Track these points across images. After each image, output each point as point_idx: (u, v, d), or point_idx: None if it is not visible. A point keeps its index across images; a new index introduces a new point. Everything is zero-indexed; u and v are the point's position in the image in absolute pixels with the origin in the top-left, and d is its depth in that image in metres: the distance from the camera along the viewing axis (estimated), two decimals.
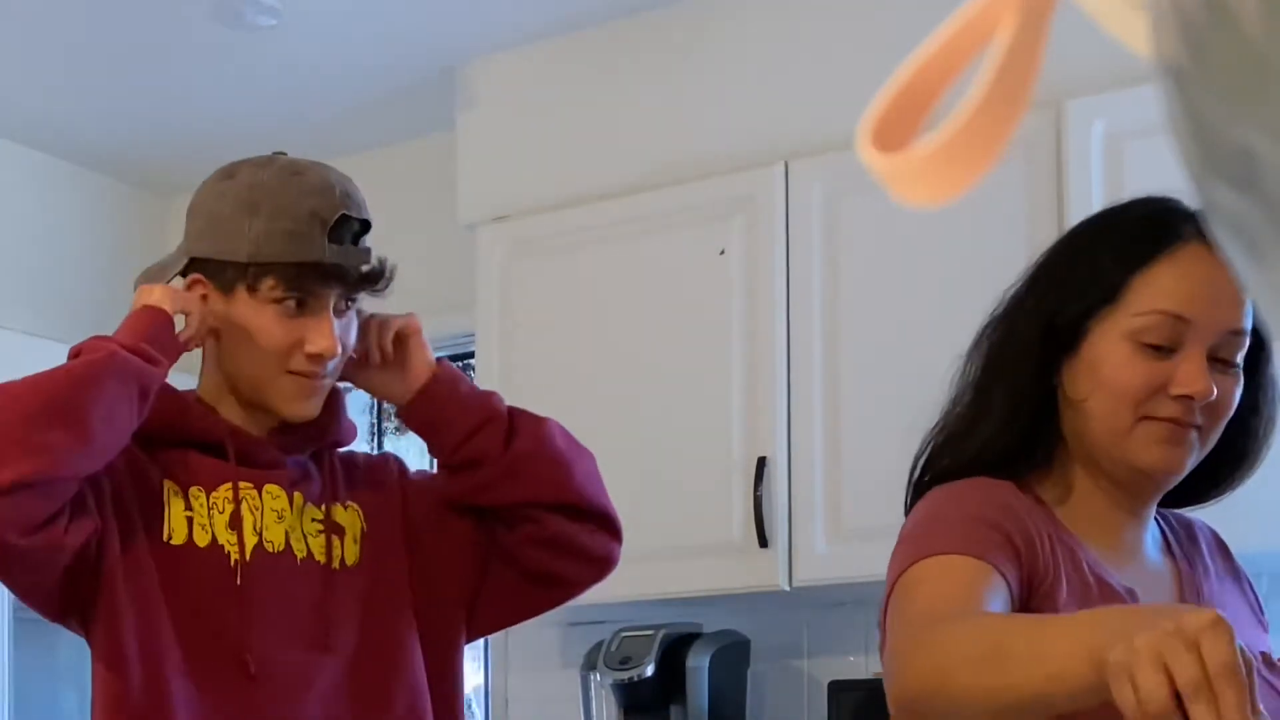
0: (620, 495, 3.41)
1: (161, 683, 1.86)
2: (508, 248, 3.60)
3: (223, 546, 1.92)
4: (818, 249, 3.24)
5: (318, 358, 1.92)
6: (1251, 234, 0.44)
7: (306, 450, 2.02)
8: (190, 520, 1.92)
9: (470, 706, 4.35)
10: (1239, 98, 0.42)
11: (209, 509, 1.93)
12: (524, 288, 3.57)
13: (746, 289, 3.29)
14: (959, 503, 1.55)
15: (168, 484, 1.93)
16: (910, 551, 1.50)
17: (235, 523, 1.92)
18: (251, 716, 1.91)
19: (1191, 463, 1.58)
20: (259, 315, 1.91)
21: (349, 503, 2.04)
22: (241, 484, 1.94)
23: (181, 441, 1.96)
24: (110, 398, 1.81)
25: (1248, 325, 1.55)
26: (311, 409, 1.96)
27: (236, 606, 1.90)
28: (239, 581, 1.91)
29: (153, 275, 2.01)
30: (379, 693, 1.99)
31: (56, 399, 1.80)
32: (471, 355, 3.83)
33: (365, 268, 1.93)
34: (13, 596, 4.12)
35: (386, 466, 2.13)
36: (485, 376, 3.61)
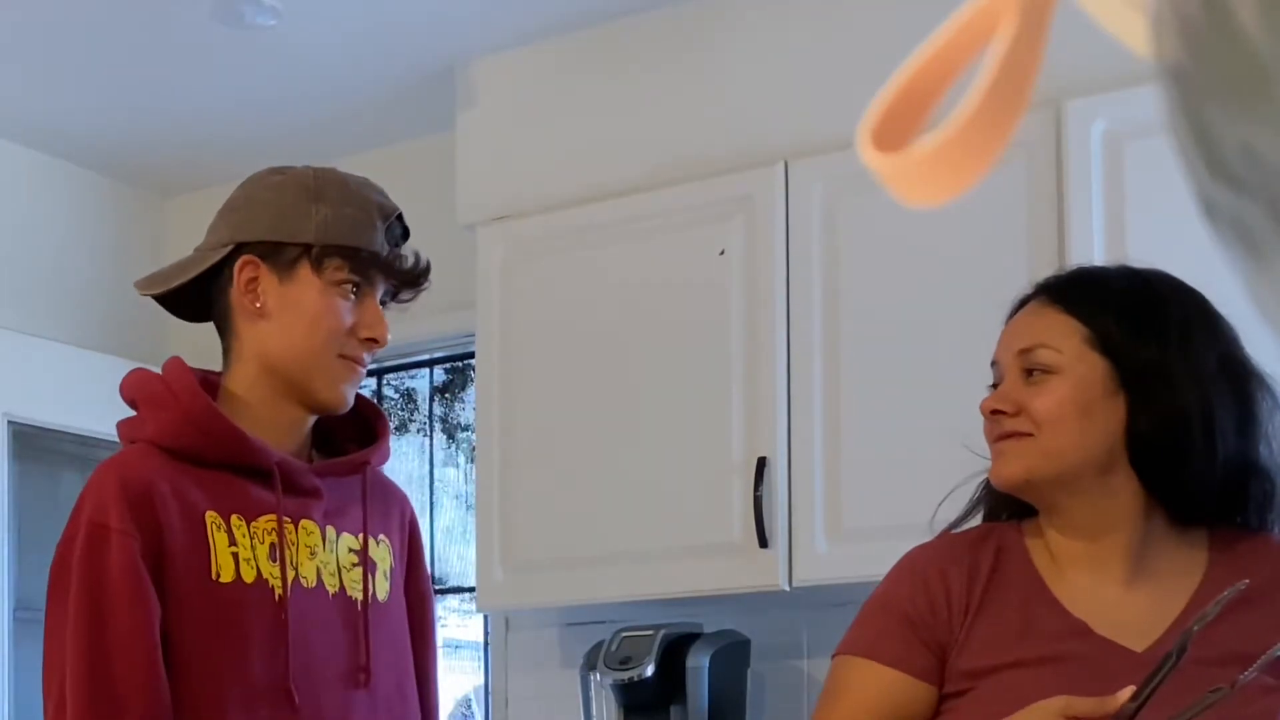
0: (620, 495, 3.43)
1: (217, 717, 1.89)
2: (508, 248, 3.60)
3: (267, 581, 1.94)
4: (818, 249, 3.23)
5: (371, 343, 1.99)
6: (1251, 234, 0.44)
7: (345, 474, 2.05)
8: (236, 556, 1.93)
9: (470, 706, 4.35)
10: (1239, 98, 0.42)
11: (251, 539, 1.95)
12: (524, 288, 3.57)
13: (746, 289, 3.29)
14: (893, 585, 1.82)
15: (210, 516, 1.94)
16: (849, 636, 1.83)
17: (276, 555, 1.94)
18: None
19: (1025, 469, 1.74)
20: (322, 295, 1.96)
21: (381, 537, 2.08)
22: (283, 517, 1.97)
23: (228, 465, 1.97)
24: None
25: (1031, 343, 1.75)
26: (350, 398, 2.01)
27: (283, 641, 1.93)
28: (284, 615, 1.93)
29: (167, 276, 2.03)
30: None
31: None
32: (471, 355, 3.83)
33: (414, 266, 2.02)
34: (12, 595, 4.13)
35: (399, 501, 2.18)
36: (485, 376, 3.61)
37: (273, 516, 1.96)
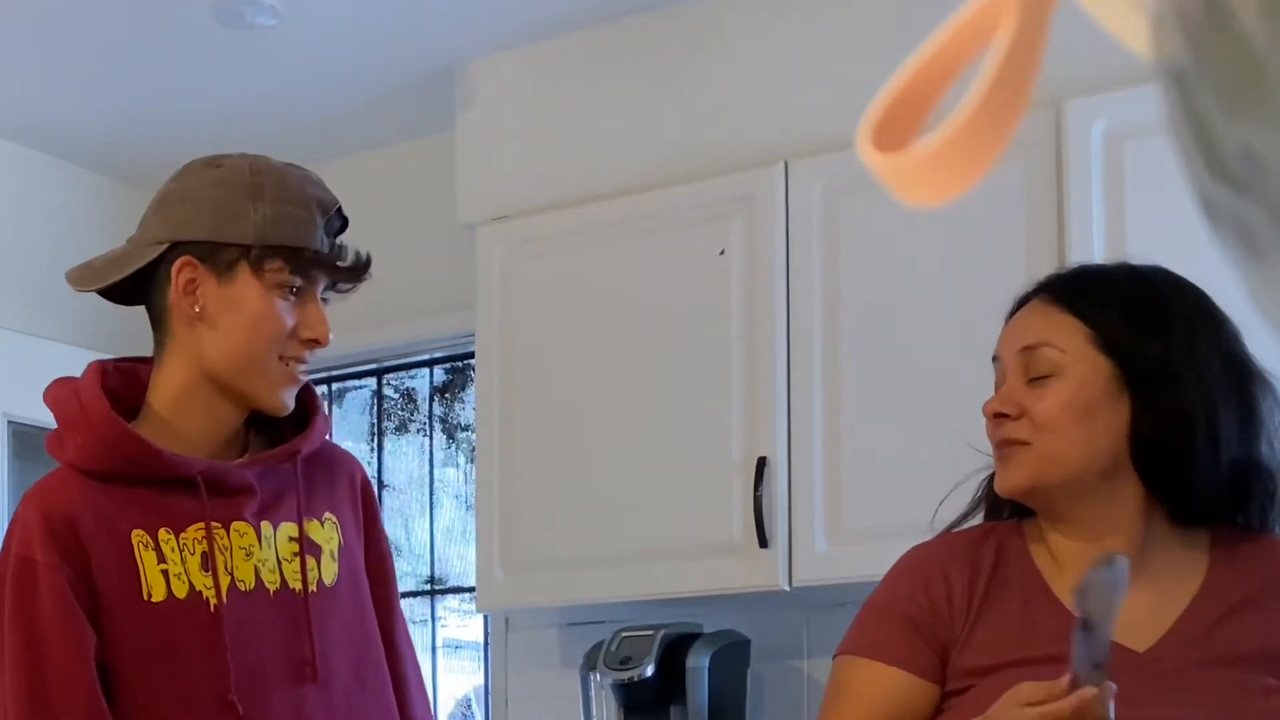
0: (620, 495, 3.43)
1: None
2: (508, 248, 3.60)
3: (201, 593, 1.91)
4: (818, 249, 3.23)
5: (313, 343, 1.95)
6: (1251, 234, 0.44)
7: (279, 463, 2.01)
8: (166, 574, 1.90)
9: (470, 706, 4.35)
10: (1239, 98, 0.42)
11: (180, 552, 1.92)
12: (524, 288, 3.57)
13: (746, 289, 3.29)
14: (895, 584, 1.83)
15: (136, 535, 1.91)
16: (850, 636, 1.83)
17: (208, 564, 1.91)
18: None
19: (1030, 477, 1.74)
20: (263, 297, 1.92)
21: (327, 515, 2.03)
22: (212, 524, 1.93)
23: (148, 479, 1.93)
24: None
25: (1034, 341, 1.75)
26: (291, 401, 1.97)
27: (219, 650, 1.90)
28: (220, 625, 1.90)
29: (99, 271, 1.98)
30: (368, 715, 2.00)
31: None
32: (471, 355, 3.83)
33: (354, 260, 1.97)
34: None
35: (346, 468, 2.11)
36: (485, 376, 3.61)
37: (201, 525, 1.92)
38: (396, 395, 4.47)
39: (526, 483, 3.51)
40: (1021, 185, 3.00)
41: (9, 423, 4.06)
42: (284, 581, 1.96)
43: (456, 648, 4.42)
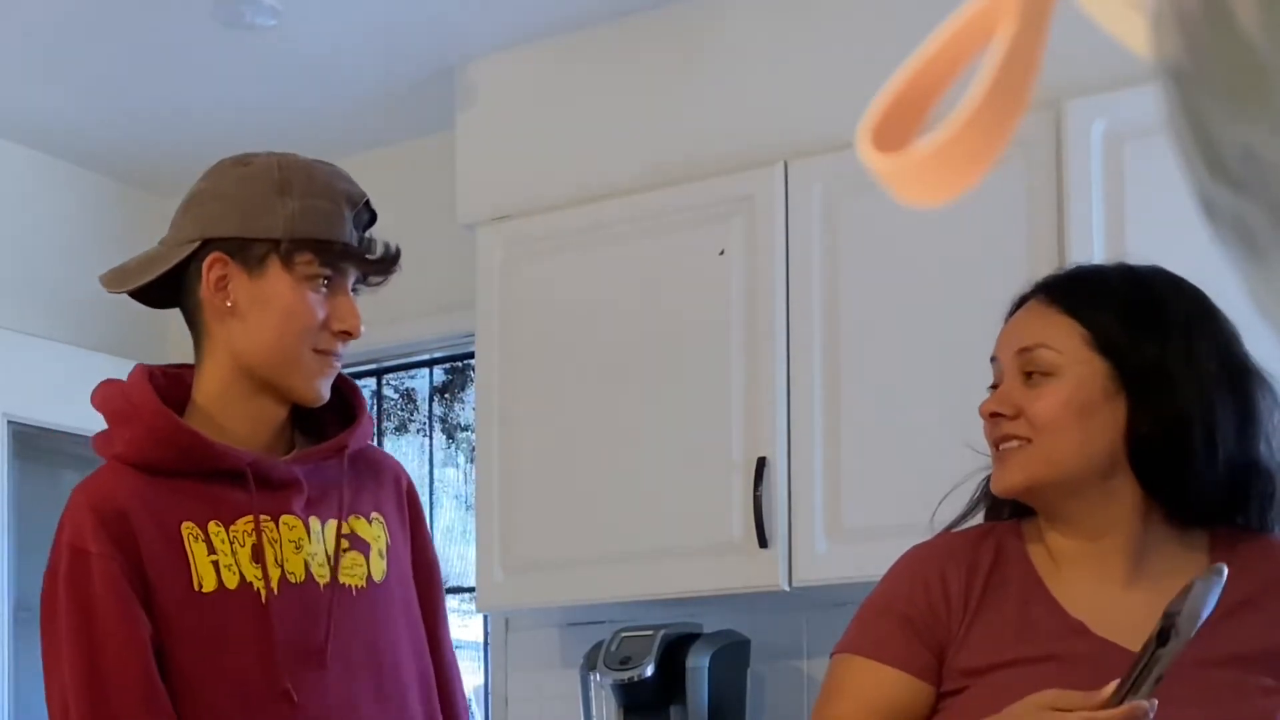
0: (620, 495, 3.42)
1: None
2: (508, 248, 3.60)
3: (251, 584, 1.92)
4: (818, 249, 3.23)
5: (345, 335, 1.97)
6: (1251, 234, 0.44)
7: (326, 459, 2.03)
8: (216, 564, 1.93)
9: (470, 706, 4.35)
10: (1239, 98, 0.42)
11: (230, 544, 1.94)
12: (524, 288, 3.57)
13: (746, 289, 3.29)
14: (892, 584, 1.83)
15: (186, 527, 1.93)
16: (848, 635, 1.83)
17: (258, 556, 1.93)
18: None
19: (1027, 477, 1.74)
20: (293, 290, 1.94)
21: (373, 515, 2.06)
22: (260, 516, 1.95)
23: (197, 472, 1.96)
24: None
25: (1031, 343, 1.75)
26: (326, 392, 2.00)
27: (269, 640, 1.91)
28: (270, 616, 1.92)
29: (132, 273, 2.01)
30: (416, 707, 2.03)
31: None
32: (471, 355, 3.83)
33: (383, 252, 1.99)
34: (12, 595, 4.11)
35: (391, 470, 2.14)
36: (485, 376, 3.61)
37: (250, 518, 1.94)
38: (396, 395, 4.47)
39: (526, 483, 3.51)
40: (1021, 185, 3.00)
41: (9, 423, 4.06)
42: (334, 576, 1.98)
43: (456, 648, 4.41)
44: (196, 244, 1.96)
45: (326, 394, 2.00)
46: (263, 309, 1.94)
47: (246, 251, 1.94)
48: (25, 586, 3.99)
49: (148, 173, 4.37)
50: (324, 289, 1.96)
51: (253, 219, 1.94)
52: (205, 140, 4.09)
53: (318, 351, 1.96)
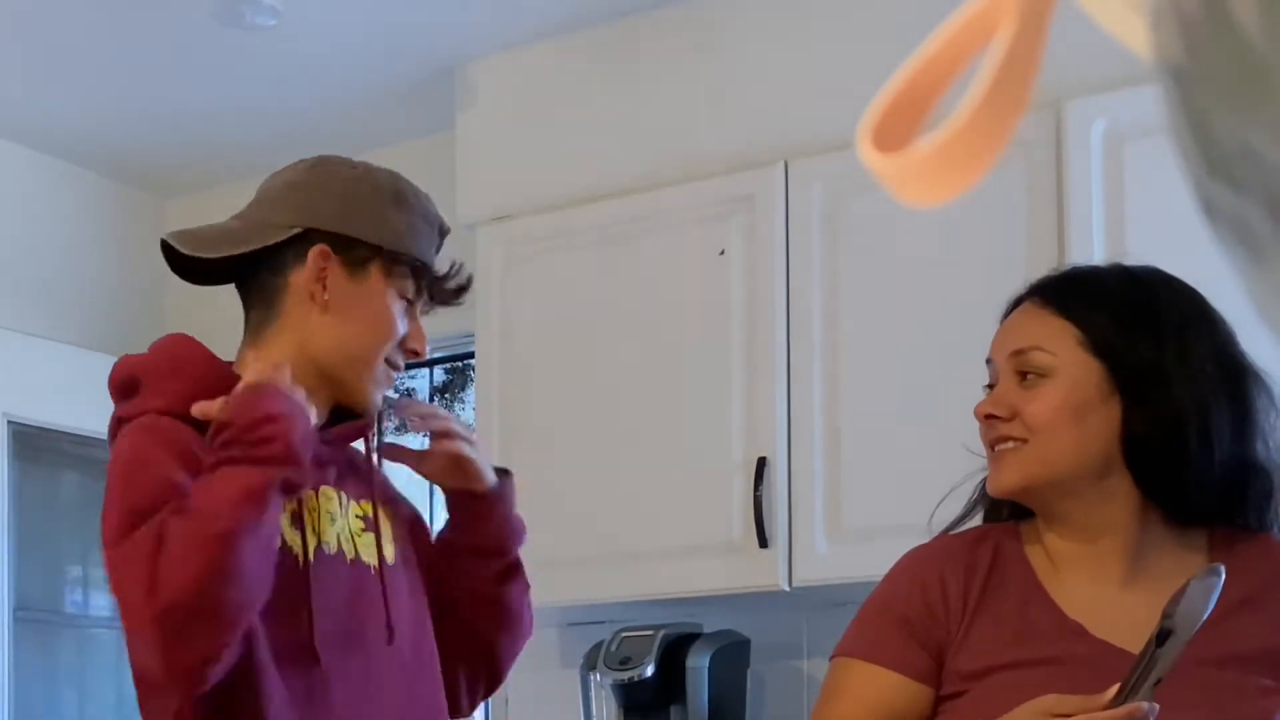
0: (620, 495, 3.42)
1: (253, 677, 1.87)
2: (508, 248, 3.61)
3: (290, 547, 1.92)
4: (818, 249, 3.24)
5: (414, 354, 2.01)
6: (1251, 234, 0.44)
7: (350, 440, 2.05)
8: None
9: None
10: (1239, 98, 0.42)
11: None
12: (524, 288, 3.57)
13: (746, 289, 3.29)
14: (891, 586, 1.83)
15: None
16: (846, 637, 1.84)
17: (297, 522, 1.93)
18: (326, 711, 1.93)
19: (1022, 478, 1.74)
20: (386, 299, 1.97)
21: (384, 503, 2.08)
22: None
23: None
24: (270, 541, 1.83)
25: (1025, 345, 1.75)
26: (380, 403, 2.03)
27: (304, 604, 1.91)
28: (308, 581, 1.92)
29: (210, 241, 1.98)
30: (427, 689, 2.05)
31: (245, 562, 1.78)
32: (471, 355, 3.83)
33: (464, 284, 2.05)
34: (12, 595, 4.10)
35: (400, 469, 2.18)
36: (485, 376, 3.61)
37: None
38: (396, 395, 4.47)
39: (526, 483, 3.50)
40: (1021, 185, 3.00)
41: (9, 423, 4.05)
42: (358, 554, 1.99)
43: None
44: (297, 230, 1.96)
45: (380, 405, 2.02)
46: (357, 309, 1.96)
47: (350, 251, 1.95)
48: (25, 586, 3.99)
49: (148, 173, 4.37)
50: (405, 305, 1.99)
51: (361, 222, 1.96)
52: (205, 140, 4.09)
53: (388, 364, 1.99)
